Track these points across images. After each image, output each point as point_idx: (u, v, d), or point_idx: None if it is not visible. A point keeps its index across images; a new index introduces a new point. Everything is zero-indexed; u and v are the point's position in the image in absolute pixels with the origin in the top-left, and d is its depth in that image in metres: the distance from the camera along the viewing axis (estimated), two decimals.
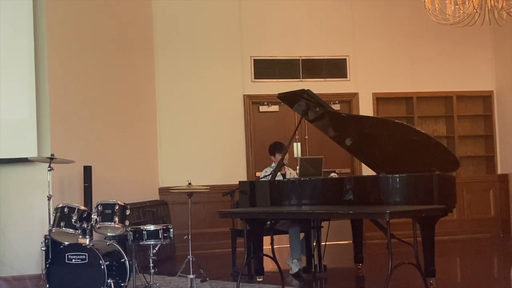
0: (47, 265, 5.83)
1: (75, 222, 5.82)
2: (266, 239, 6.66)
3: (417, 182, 6.04)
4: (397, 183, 6.03)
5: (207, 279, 6.48)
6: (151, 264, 5.95)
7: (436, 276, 5.92)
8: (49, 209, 6.11)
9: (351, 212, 5.90)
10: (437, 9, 7.30)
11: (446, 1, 7.27)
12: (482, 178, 10.46)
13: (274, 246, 6.41)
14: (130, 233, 6.01)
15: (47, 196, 6.16)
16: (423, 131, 6.57)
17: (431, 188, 5.99)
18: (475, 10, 6.97)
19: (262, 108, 9.88)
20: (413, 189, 6.04)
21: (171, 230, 6.11)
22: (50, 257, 5.88)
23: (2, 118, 6.92)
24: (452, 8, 7.22)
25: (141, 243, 6.02)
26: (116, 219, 5.91)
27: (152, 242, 5.98)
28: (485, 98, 10.54)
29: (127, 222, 6.00)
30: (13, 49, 6.99)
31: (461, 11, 7.12)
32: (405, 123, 6.88)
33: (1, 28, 6.97)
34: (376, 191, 6.14)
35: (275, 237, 6.80)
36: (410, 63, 10.23)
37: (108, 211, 5.92)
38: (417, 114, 10.23)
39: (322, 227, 7.15)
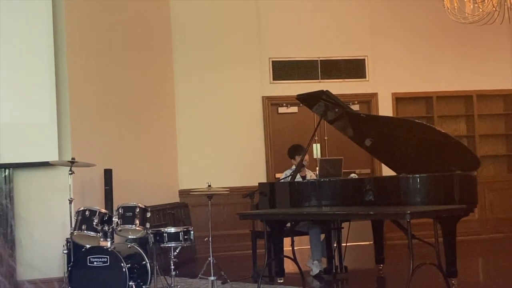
0: (69, 268, 5.87)
1: (96, 225, 5.85)
2: (287, 241, 6.66)
3: (437, 182, 6.01)
4: (417, 183, 6.01)
5: (228, 280, 6.48)
6: (172, 266, 5.97)
7: (458, 276, 5.90)
8: (70, 213, 6.16)
9: (371, 213, 5.88)
10: (456, 8, 7.25)
11: (465, 0, 7.22)
12: (504, 177, 10.37)
13: (295, 248, 6.40)
14: (151, 235, 6.02)
15: (68, 200, 6.21)
16: (443, 131, 6.54)
17: (452, 188, 5.96)
18: (494, 9, 6.91)
19: (281, 110, 9.86)
20: (434, 189, 6.01)
21: (192, 232, 6.11)
22: (72, 260, 5.93)
23: (23, 123, 6.99)
24: (471, 6, 7.16)
25: (162, 245, 6.04)
26: (137, 221, 5.93)
27: (173, 244, 5.99)
28: (506, 97, 10.45)
29: (148, 225, 6.02)
30: (33, 54, 7.05)
31: (480, 10, 7.07)
32: (425, 123, 6.84)
33: (20, 33, 7.04)
34: (397, 191, 6.11)
35: (296, 238, 6.80)
36: (429, 62, 10.16)
37: (129, 214, 5.94)
38: (436, 113, 10.15)
39: (343, 228, 7.13)
